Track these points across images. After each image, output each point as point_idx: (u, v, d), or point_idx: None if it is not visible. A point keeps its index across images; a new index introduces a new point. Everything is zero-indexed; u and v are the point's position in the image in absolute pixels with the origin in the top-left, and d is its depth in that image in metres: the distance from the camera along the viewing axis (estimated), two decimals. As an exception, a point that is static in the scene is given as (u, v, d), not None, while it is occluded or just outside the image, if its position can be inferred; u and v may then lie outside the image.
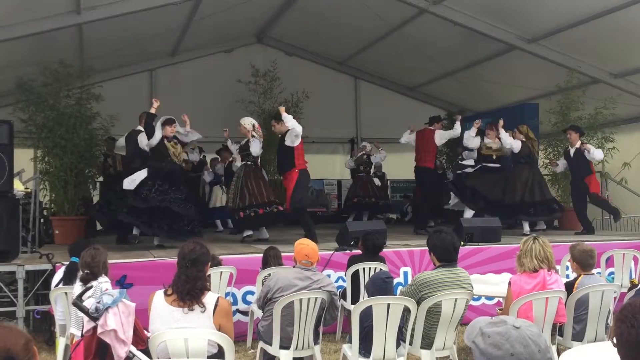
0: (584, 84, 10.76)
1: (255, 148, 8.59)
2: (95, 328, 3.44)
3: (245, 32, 13.41)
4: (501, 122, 9.68)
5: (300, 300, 4.39)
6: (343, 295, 6.18)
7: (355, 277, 5.99)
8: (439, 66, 12.45)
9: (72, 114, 8.98)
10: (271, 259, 6.03)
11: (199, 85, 13.11)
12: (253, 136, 8.62)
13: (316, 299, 4.46)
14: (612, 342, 1.86)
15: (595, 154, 9.30)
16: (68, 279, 5.11)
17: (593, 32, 9.56)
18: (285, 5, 11.50)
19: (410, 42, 11.39)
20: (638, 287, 4.47)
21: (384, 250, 6.56)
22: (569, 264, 5.12)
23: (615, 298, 4.80)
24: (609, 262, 7.08)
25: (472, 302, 5.15)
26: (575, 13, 9.32)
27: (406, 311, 4.29)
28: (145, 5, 8.97)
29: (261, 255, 6.33)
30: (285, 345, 4.49)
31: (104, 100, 9.30)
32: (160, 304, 3.63)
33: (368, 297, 4.45)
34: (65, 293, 4.94)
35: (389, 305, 4.20)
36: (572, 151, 9.50)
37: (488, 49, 11.32)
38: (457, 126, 9.88)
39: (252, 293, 6.50)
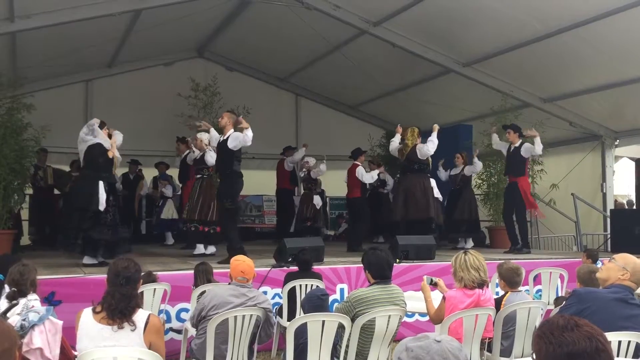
0: (516, 108, 11.15)
1: (211, 159, 8.85)
2: (20, 346, 3.32)
3: (186, 46, 13.29)
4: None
5: (235, 317, 4.35)
6: (279, 312, 6.17)
7: (291, 294, 5.99)
8: (378, 86, 12.69)
9: (2, 124, 8.67)
10: (199, 275, 5.90)
11: (137, 98, 12.88)
12: (209, 149, 8.89)
13: (251, 316, 4.43)
14: (532, 358, 1.95)
15: (537, 147, 9.32)
16: (-8, 296, 4.90)
17: (525, 57, 9.98)
18: (227, 20, 11.49)
19: (351, 61, 11.57)
20: (562, 304, 4.65)
21: (321, 267, 6.60)
22: (497, 281, 5.27)
23: (541, 315, 4.97)
24: (537, 279, 7.34)
25: (406, 319, 5.22)
26: (508, 39, 9.71)
27: (340, 328, 4.32)
28: (83, 15, 8.78)
29: (197, 271, 6.24)
30: (218, 363, 4.43)
31: (35, 109, 9.03)
32: (88, 321, 3.52)
33: (304, 314, 4.45)
34: (-11, 310, 4.73)
35: (323, 322, 4.22)
36: (512, 148, 9.63)
37: (426, 70, 11.63)
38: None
39: (186, 310, 6.37)
